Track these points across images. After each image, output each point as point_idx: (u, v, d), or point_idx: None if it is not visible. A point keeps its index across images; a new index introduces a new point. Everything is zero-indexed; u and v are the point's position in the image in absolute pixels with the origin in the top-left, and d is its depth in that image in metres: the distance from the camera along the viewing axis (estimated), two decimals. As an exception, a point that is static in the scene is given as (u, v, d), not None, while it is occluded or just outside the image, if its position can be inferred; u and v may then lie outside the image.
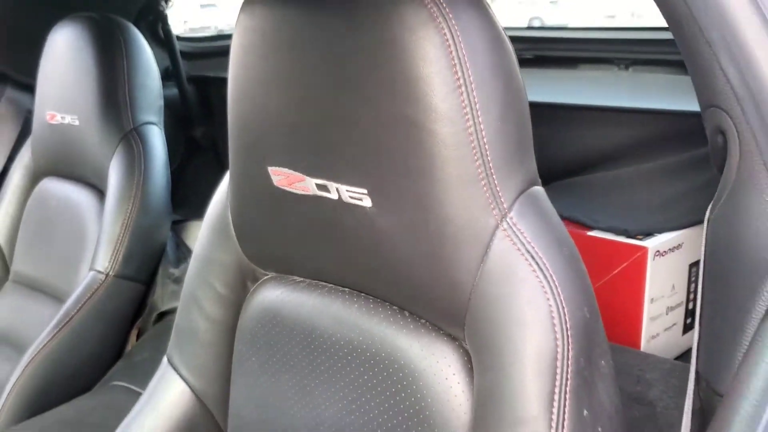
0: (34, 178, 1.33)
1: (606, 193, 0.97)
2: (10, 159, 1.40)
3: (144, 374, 0.81)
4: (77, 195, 1.24)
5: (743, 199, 0.52)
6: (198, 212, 1.16)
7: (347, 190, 0.55)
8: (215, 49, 1.67)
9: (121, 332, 1.17)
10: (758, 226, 0.50)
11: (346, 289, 0.63)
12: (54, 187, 1.29)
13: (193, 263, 0.75)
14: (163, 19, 1.50)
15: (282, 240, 0.65)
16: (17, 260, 1.32)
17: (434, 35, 0.49)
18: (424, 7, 0.49)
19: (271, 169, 0.60)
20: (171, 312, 1.20)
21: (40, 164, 1.32)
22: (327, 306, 0.64)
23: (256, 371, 0.70)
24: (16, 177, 1.36)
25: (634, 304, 0.88)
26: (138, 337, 1.21)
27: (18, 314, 1.28)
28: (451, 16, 0.50)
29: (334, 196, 0.56)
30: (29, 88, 1.40)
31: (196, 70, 1.60)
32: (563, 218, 0.92)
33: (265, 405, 0.69)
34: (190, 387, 0.74)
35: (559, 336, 0.50)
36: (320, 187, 0.57)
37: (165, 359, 0.77)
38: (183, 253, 1.26)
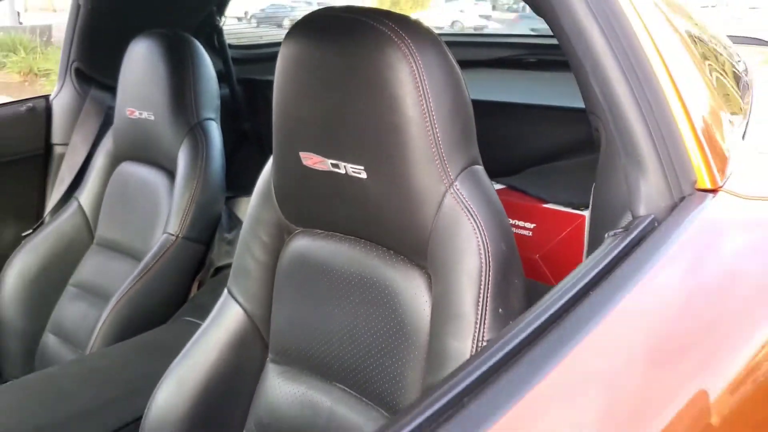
0: (115, 161, 1.64)
1: (559, 177, 1.24)
2: (94, 146, 1.72)
3: (205, 312, 1.08)
4: (151, 175, 1.55)
5: (609, 166, 0.79)
6: (245, 190, 1.46)
7: (351, 167, 0.84)
8: (260, 55, 1.97)
9: (186, 282, 1.47)
10: (617, 180, 0.77)
11: (351, 236, 0.91)
12: (131, 169, 1.60)
13: (246, 222, 1.04)
14: (219, 31, 1.80)
15: (308, 203, 0.93)
16: (100, 227, 1.63)
17: (405, 68, 0.77)
18: (399, 49, 0.77)
19: (301, 153, 0.89)
20: (225, 267, 1.50)
21: (120, 150, 1.63)
22: (338, 249, 0.93)
23: (290, 297, 0.99)
24: (100, 160, 1.67)
25: (575, 258, 1.15)
26: (199, 287, 1.51)
27: (101, 270, 1.59)
28: (417, 55, 0.78)
29: (342, 171, 0.85)
30: (110, 89, 1.71)
31: (244, 74, 1.90)
32: (528, 194, 1.20)
33: (294, 320, 0.98)
34: (243, 309, 1.03)
35: (483, 261, 0.78)
36: (333, 165, 0.86)
37: (226, 291, 1.06)
38: (234, 221, 1.56)
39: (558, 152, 1.31)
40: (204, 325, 1.06)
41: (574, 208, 1.16)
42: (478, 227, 0.78)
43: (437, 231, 0.80)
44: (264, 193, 1.01)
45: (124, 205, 1.58)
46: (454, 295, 0.79)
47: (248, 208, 1.05)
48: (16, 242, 1.70)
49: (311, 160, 0.88)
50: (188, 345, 1.05)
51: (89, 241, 1.65)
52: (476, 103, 0.84)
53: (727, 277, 0.70)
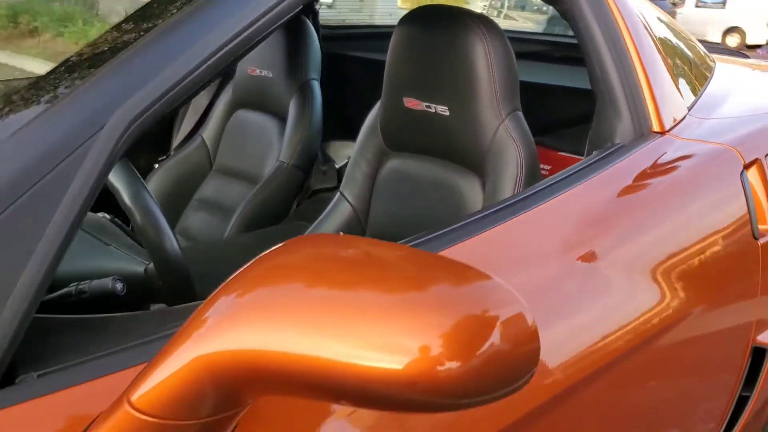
0: (233, 108, 2.14)
1: (569, 136, 1.74)
2: (215, 95, 2.22)
3: (308, 222, 1.56)
4: (265, 120, 2.05)
5: (599, 121, 1.27)
6: (332, 137, 1.96)
7: (439, 108, 1.33)
8: (344, 35, 2.47)
9: (290, 201, 1.98)
10: (604, 128, 1.25)
11: (432, 156, 1.41)
12: (247, 115, 2.11)
13: (356, 147, 1.53)
14: (315, 13, 2.30)
15: (404, 134, 1.43)
16: (219, 157, 2.13)
17: (479, 45, 1.26)
18: (476, 33, 1.26)
19: (404, 98, 1.38)
20: (318, 191, 2.01)
21: (238, 100, 2.13)
22: (422, 165, 1.42)
23: (385, 197, 1.48)
24: (220, 107, 2.16)
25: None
26: (298, 205, 2.02)
27: (220, 190, 2.09)
28: (487, 37, 1.26)
29: (432, 110, 1.34)
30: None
31: (330, 49, 2.39)
32: (546, 146, 1.70)
33: (387, 213, 1.48)
34: (351, 205, 1.53)
35: (519, 170, 1.27)
36: (426, 106, 1.35)
37: (338, 193, 1.56)
38: (327, 157, 2.06)
39: (569, 120, 1.80)
40: (319, 219, 1.55)
41: (577, 155, 1.65)
42: (517, 149, 1.28)
43: (491, 151, 1.30)
44: (371, 127, 1.51)
45: (241, 141, 2.08)
46: (498, 189, 1.28)
47: (358, 138, 1.54)
48: (149, 169, 2.20)
49: (411, 102, 1.37)
50: (307, 232, 1.55)
51: (209, 168, 2.15)
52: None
53: (658, 183, 1.18)
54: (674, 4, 14.95)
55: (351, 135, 1.95)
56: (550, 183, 1.04)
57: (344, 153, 2.08)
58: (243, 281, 0.49)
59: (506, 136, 1.28)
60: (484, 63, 1.25)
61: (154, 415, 0.50)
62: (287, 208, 1.98)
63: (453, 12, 1.30)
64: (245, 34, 0.73)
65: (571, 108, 1.82)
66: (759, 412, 1.33)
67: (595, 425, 0.98)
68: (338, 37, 2.46)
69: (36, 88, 0.71)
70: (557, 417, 0.88)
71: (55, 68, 0.73)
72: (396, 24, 1.38)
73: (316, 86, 2.00)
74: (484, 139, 1.30)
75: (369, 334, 0.46)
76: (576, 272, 0.95)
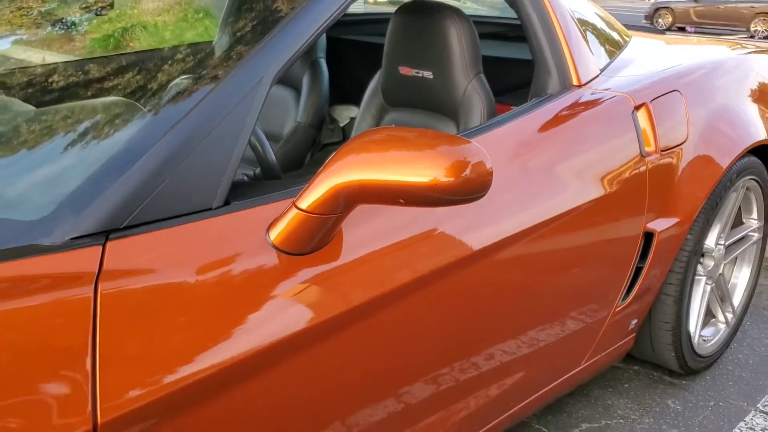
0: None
1: (519, 94, 2.29)
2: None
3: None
4: (283, 91, 2.58)
5: (536, 82, 1.83)
6: (334, 102, 2.51)
7: (425, 73, 1.88)
8: (340, 21, 3.00)
9: (306, 153, 2.52)
10: (538, 86, 1.81)
11: (421, 109, 1.96)
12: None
13: (362, 104, 2.08)
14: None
15: (400, 93, 1.98)
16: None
17: (452, 25, 1.80)
18: (450, 17, 1.81)
19: (399, 67, 1.93)
20: (327, 145, 2.55)
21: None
22: (412, 116, 1.97)
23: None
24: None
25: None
26: (311, 156, 2.56)
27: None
28: (458, 19, 1.81)
29: (420, 75, 1.89)
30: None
31: (328, 33, 2.93)
32: (503, 103, 2.27)
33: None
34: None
35: (483, 114, 1.83)
36: (416, 72, 1.90)
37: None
38: (332, 118, 2.61)
39: (518, 83, 2.37)
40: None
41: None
42: (481, 102, 1.83)
43: (463, 103, 1.85)
44: (373, 90, 2.05)
45: (265, 108, 2.61)
46: (468, 128, 1.84)
47: (363, 98, 2.09)
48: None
49: (405, 70, 1.92)
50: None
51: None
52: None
53: (575, 118, 1.74)
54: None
55: (350, 101, 2.51)
56: (501, 119, 1.60)
57: (345, 114, 2.61)
58: (350, 146, 1.04)
59: (473, 92, 1.84)
60: (456, 39, 1.80)
61: (312, 212, 1.04)
62: (303, 159, 2.52)
63: (433, 4, 1.84)
64: (332, 17, 1.27)
65: (520, 74, 2.38)
66: (650, 278, 1.91)
67: (519, 286, 1.53)
68: (344, 22, 3.00)
69: (222, 55, 1.25)
70: (479, 274, 1.44)
71: (234, 42, 1.27)
72: (376, 12, 1.93)
73: (323, 63, 2.54)
74: (457, 94, 1.85)
75: (414, 169, 1.01)
76: (512, 173, 1.51)
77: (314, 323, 1.10)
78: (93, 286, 0.91)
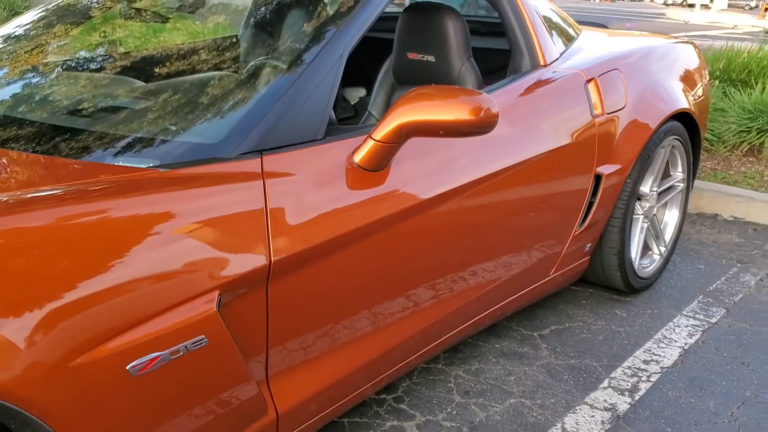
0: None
1: (499, 74, 2.90)
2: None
3: None
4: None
5: (512, 64, 2.43)
6: (345, 85, 3.09)
7: (429, 57, 2.47)
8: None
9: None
10: (513, 68, 2.42)
11: (422, 85, 2.55)
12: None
13: (376, 84, 2.66)
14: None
15: (408, 74, 2.56)
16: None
17: (450, 21, 2.39)
18: (447, 15, 2.40)
19: (408, 53, 2.52)
20: (340, 120, 3.12)
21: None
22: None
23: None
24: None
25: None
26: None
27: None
28: (454, 16, 2.41)
29: (425, 59, 2.48)
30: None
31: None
32: (488, 83, 2.88)
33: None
34: (375, 118, 2.65)
35: (476, 85, 2.42)
36: (421, 56, 2.48)
37: (367, 112, 2.67)
38: (344, 98, 3.17)
39: (499, 67, 2.97)
40: (355, 127, 2.68)
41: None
42: (472, 81, 2.43)
43: (459, 80, 2.44)
44: (386, 71, 2.64)
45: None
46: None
47: (377, 79, 2.67)
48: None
49: (412, 55, 2.51)
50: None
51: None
52: None
53: (540, 89, 2.35)
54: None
55: (357, 84, 3.09)
56: (489, 89, 2.20)
57: (354, 95, 3.18)
58: (407, 97, 1.62)
59: (466, 72, 2.43)
60: (452, 31, 2.39)
61: (383, 141, 1.63)
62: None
63: (435, 4, 2.43)
64: (379, 12, 1.85)
65: (503, 61, 2.99)
66: (599, 211, 2.53)
67: (502, 210, 2.13)
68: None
69: (311, 37, 1.83)
70: (472, 200, 2.04)
71: (315, 29, 1.84)
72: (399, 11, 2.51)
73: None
74: (453, 74, 2.44)
75: (448, 111, 1.59)
76: (499, 127, 2.11)
77: (380, 216, 1.68)
78: (261, 180, 1.48)
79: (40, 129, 1.64)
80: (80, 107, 1.80)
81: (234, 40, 2.34)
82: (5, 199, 1.23)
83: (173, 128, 1.61)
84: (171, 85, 1.90)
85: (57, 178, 1.37)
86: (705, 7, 32.20)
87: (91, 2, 2.30)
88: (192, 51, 2.18)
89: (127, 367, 1.20)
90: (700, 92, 3.19)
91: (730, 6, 41.13)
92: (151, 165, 1.46)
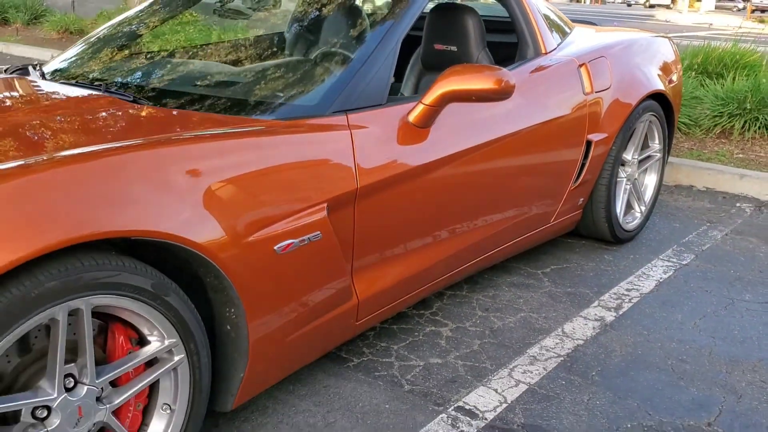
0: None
1: (507, 63, 3.50)
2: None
3: None
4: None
5: (519, 55, 3.04)
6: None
7: (452, 47, 3.07)
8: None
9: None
10: (524, 54, 3.03)
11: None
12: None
13: (408, 69, 3.26)
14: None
15: (434, 62, 3.16)
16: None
17: (469, 17, 3.00)
18: (467, 12, 3.00)
19: (434, 44, 3.12)
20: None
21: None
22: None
23: (423, 92, 3.22)
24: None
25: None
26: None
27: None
28: (471, 14, 3.01)
29: (449, 49, 3.07)
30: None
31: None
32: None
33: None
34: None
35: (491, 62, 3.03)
36: (445, 47, 3.08)
37: (400, 93, 3.27)
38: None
39: (510, 56, 3.58)
40: (390, 104, 3.28)
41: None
42: (490, 63, 3.03)
43: (478, 63, 3.05)
44: (415, 59, 3.24)
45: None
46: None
47: (408, 67, 3.27)
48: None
49: (438, 46, 3.11)
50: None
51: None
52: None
53: (542, 72, 2.95)
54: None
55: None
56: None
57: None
58: (448, 72, 2.22)
59: (482, 59, 3.03)
60: (471, 26, 2.99)
61: (430, 105, 2.23)
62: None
63: (457, 5, 3.03)
64: (421, 10, 2.46)
65: (510, 51, 3.60)
66: (590, 171, 3.14)
67: (514, 165, 2.74)
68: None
69: (372, 26, 2.43)
70: (489, 156, 2.65)
71: (380, 21, 2.44)
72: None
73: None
74: (471, 61, 3.04)
75: (479, 82, 2.19)
76: (510, 100, 2.71)
77: (424, 162, 2.27)
78: (348, 131, 2.08)
79: (201, 97, 2.23)
80: (222, 82, 2.42)
81: (303, 32, 2.95)
82: (219, 132, 1.83)
83: (282, 95, 2.21)
84: (274, 65, 2.51)
85: (221, 124, 1.96)
86: (692, 7, 32.89)
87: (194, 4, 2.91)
88: (272, 40, 2.79)
89: (274, 248, 1.79)
90: (674, 78, 3.81)
91: (717, 8, 42.02)
92: (274, 119, 2.06)
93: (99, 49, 2.77)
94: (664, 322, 2.74)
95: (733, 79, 5.34)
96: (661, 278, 3.14)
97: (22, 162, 1.49)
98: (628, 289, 3.02)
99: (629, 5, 50.84)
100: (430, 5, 3.12)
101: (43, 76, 2.52)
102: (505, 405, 2.17)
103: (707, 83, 5.48)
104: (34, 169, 1.44)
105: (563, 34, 3.30)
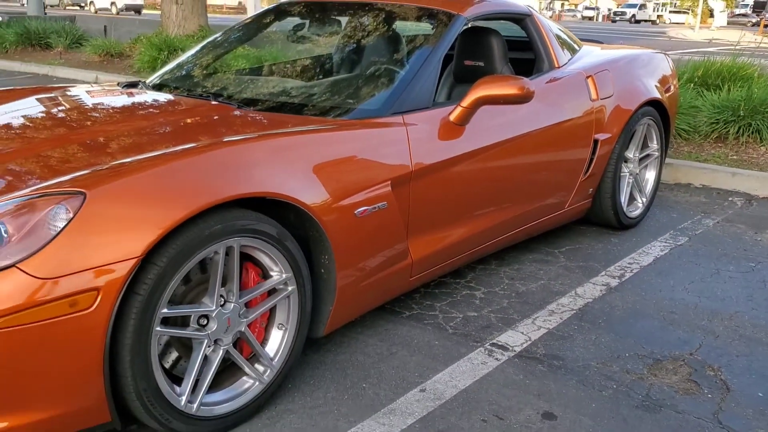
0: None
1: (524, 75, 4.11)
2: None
3: None
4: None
5: (536, 68, 3.65)
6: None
7: (479, 63, 3.67)
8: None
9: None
10: (540, 68, 3.63)
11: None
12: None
13: (440, 83, 3.88)
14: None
15: (464, 76, 3.77)
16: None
17: (493, 39, 3.61)
18: (492, 34, 3.62)
19: (465, 61, 3.73)
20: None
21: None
22: (469, 87, 3.79)
23: (455, 102, 3.84)
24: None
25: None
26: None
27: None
28: (496, 35, 3.63)
29: (476, 65, 3.69)
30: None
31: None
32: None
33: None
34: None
35: (509, 71, 3.64)
36: (474, 63, 3.70)
37: (432, 101, 3.89)
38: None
39: (522, 72, 4.19)
40: (428, 110, 3.90)
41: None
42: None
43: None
44: (447, 74, 3.86)
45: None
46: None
47: (440, 81, 3.89)
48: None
49: (468, 62, 3.72)
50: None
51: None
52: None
53: (555, 82, 3.56)
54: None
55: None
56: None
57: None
58: (480, 82, 2.83)
59: (505, 73, 3.64)
60: (495, 45, 3.60)
61: (468, 107, 2.84)
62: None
63: (483, 28, 3.64)
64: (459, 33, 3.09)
65: (529, 66, 4.21)
66: (597, 165, 3.73)
67: (535, 159, 3.34)
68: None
69: (420, 44, 3.06)
70: (513, 149, 3.25)
71: (424, 42, 3.06)
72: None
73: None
74: (496, 74, 3.65)
75: (506, 88, 2.80)
76: (530, 104, 3.32)
77: (461, 152, 2.88)
78: (404, 127, 2.69)
79: (289, 104, 2.85)
80: (303, 92, 3.06)
81: (352, 53, 3.57)
82: (312, 128, 2.45)
83: (352, 101, 2.84)
84: (342, 79, 3.15)
85: (309, 123, 2.58)
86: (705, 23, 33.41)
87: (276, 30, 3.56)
88: (330, 59, 3.43)
89: (355, 212, 2.40)
90: (671, 89, 4.40)
91: (730, 23, 42.45)
92: (348, 119, 2.68)
93: (192, 67, 3.42)
94: (658, 286, 3.32)
95: (729, 89, 5.92)
96: (658, 255, 3.72)
97: (190, 145, 2.12)
98: (629, 263, 3.60)
99: (637, 22, 51.46)
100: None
101: (158, 88, 3.16)
102: (529, 342, 2.76)
103: (705, 94, 6.06)
104: (200, 150, 2.07)
105: (573, 51, 3.91)
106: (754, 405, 2.37)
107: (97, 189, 1.84)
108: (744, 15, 46.34)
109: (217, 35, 3.76)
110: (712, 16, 46.43)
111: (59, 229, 1.76)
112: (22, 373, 1.72)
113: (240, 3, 53.92)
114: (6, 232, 1.76)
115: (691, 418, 2.28)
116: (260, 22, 3.76)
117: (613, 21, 45.83)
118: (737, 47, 6.99)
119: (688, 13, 55.61)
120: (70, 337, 1.75)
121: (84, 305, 1.75)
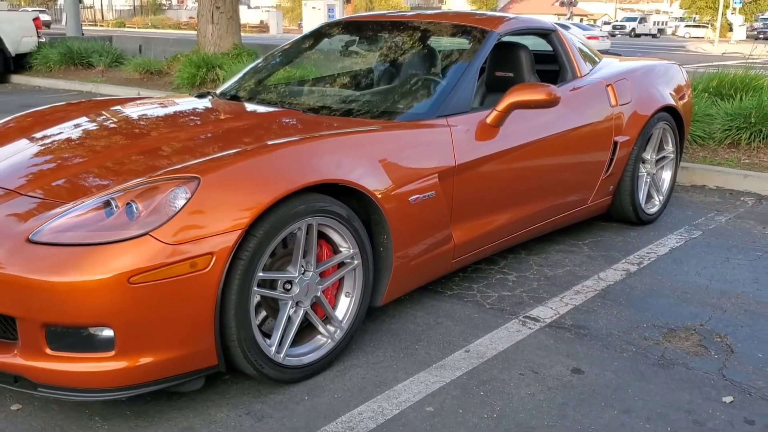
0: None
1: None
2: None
3: None
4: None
5: (560, 77, 4.06)
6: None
7: (508, 73, 4.09)
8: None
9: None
10: (565, 77, 4.04)
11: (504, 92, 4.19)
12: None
13: (475, 89, 4.31)
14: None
15: (495, 85, 4.19)
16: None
17: (522, 52, 4.03)
18: (521, 49, 4.04)
19: (495, 72, 4.15)
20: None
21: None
22: (501, 95, 4.21)
23: (488, 108, 4.25)
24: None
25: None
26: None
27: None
28: (524, 49, 4.05)
29: (507, 75, 4.10)
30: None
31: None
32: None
33: (490, 113, 4.26)
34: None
35: (533, 78, 4.05)
36: (504, 74, 4.11)
37: (470, 107, 4.31)
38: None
39: (553, 80, 4.59)
40: (460, 116, 4.32)
41: (553, 92, 4.44)
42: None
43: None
44: (480, 84, 4.27)
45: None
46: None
47: (473, 90, 4.31)
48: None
49: (499, 73, 4.13)
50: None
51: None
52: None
53: (578, 89, 3.96)
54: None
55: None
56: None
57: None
58: (513, 89, 3.25)
59: (534, 79, 4.05)
60: (524, 57, 4.01)
61: (502, 111, 3.26)
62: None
63: (513, 42, 4.06)
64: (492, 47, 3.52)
65: (554, 77, 4.62)
66: (617, 165, 4.12)
67: (562, 160, 3.74)
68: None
69: (454, 58, 3.49)
70: (538, 150, 3.65)
71: (462, 56, 3.50)
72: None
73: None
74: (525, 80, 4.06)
75: (535, 94, 3.22)
76: (556, 108, 3.73)
77: (496, 151, 3.29)
78: (448, 128, 3.11)
79: (347, 110, 3.29)
80: (359, 100, 3.51)
81: (395, 65, 4.01)
82: (370, 128, 2.87)
83: (402, 106, 3.27)
84: (392, 87, 3.59)
85: (367, 125, 3.01)
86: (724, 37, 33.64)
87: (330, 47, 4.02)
88: (381, 72, 3.88)
89: (409, 199, 2.82)
90: (685, 97, 4.79)
91: (749, 37, 42.58)
92: (399, 121, 3.10)
93: (257, 78, 3.88)
94: (674, 271, 3.70)
95: (741, 99, 6.29)
96: (674, 246, 4.10)
97: (280, 140, 2.57)
98: (647, 252, 3.98)
99: (637, 36, 51.88)
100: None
101: (233, 97, 3.62)
102: (557, 315, 3.15)
103: (719, 103, 6.43)
104: (288, 145, 2.51)
105: (593, 63, 4.32)
106: (754, 363, 2.75)
107: (209, 175, 2.27)
108: (756, 29, 46.44)
109: (276, 50, 4.22)
110: (731, 30, 46.63)
111: (181, 206, 2.19)
112: (157, 320, 2.15)
113: (262, 22, 54.86)
114: (137, 208, 2.20)
115: (699, 373, 2.66)
116: (309, 41, 4.21)
117: (612, 35, 46.14)
118: (749, 59, 7.35)
119: (707, 27, 55.86)
120: (191, 292, 2.17)
121: (202, 266, 2.17)
